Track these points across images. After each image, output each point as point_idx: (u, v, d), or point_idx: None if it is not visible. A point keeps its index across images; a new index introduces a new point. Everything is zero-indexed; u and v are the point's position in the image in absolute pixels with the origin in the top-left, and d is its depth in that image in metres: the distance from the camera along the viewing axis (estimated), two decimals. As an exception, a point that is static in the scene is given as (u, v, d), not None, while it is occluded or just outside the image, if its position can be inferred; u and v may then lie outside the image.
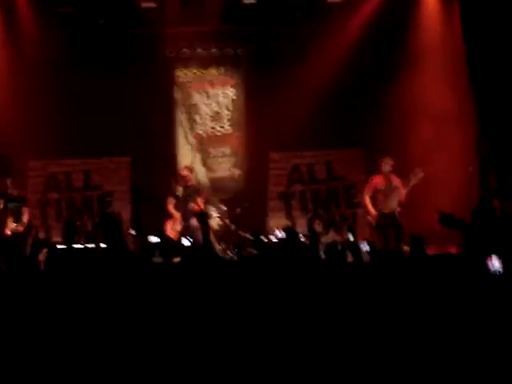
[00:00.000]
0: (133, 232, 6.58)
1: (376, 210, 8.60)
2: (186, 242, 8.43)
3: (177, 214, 9.14)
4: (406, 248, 7.92)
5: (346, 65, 10.01)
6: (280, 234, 8.49)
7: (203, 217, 5.30)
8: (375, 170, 8.97)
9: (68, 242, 4.87)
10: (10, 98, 10.08)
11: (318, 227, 9.11)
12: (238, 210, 9.86)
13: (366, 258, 5.54)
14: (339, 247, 5.20)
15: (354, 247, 5.54)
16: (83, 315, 3.39)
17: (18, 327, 3.34)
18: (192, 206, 9.09)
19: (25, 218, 8.63)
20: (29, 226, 8.62)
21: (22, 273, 4.22)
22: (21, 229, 8.53)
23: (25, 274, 4.19)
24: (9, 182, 8.67)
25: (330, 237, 8.80)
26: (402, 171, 8.68)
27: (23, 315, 3.43)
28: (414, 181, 8.38)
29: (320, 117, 10.08)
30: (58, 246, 5.35)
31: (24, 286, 3.83)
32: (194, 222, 9.08)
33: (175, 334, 3.26)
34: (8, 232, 8.47)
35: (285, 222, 10.16)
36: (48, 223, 10.27)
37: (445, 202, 9.08)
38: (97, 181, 10.63)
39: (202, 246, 4.75)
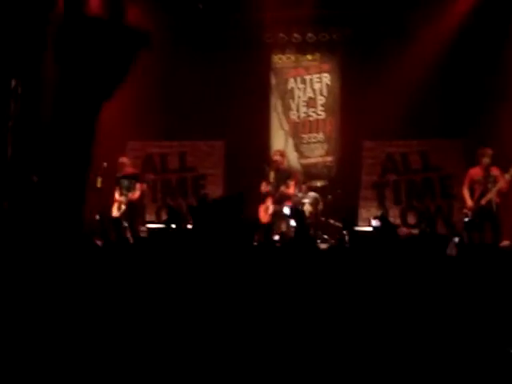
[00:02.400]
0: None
1: (473, 202, 8.36)
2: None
3: (268, 198, 9.22)
4: (504, 243, 7.68)
5: (446, 52, 9.70)
6: (374, 222, 8.38)
7: (298, 214, 5.33)
8: (473, 161, 8.70)
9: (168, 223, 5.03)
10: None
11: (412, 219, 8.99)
12: (330, 197, 9.84)
13: (454, 251, 5.40)
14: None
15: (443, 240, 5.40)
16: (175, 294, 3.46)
17: (110, 302, 3.44)
18: (283, 189, 9.14)
19: (136, 194, 9.19)
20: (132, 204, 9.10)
21: (116, 249, 4.36)
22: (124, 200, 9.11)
23: (118, 250, 4.32)
24: (105, 164, 9.04)
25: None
26: (503, 163, 8.36)
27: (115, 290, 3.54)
28: None
29: (416, 105, 9.81)
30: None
31: (116, 262, 3.95)
32: (287, 205, 9.15)
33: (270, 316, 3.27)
34: (117, 208, 9.14)
35: (376, 211, 10.03)
36: (143, 203, 10.55)
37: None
38: (192, 163, 10.85)
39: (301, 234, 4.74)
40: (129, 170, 9.32)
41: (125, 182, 9.19)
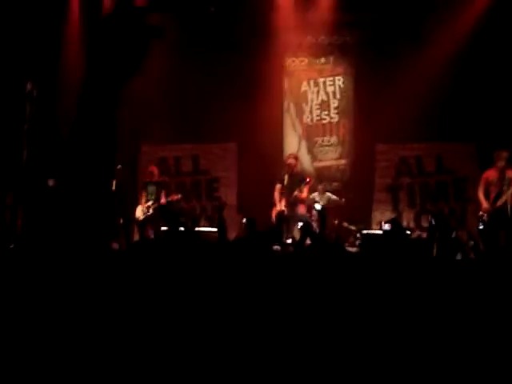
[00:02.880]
0: (244, 221, 6.76)
1: (489, 203, 8.33)
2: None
3: (281, 201, 9.21)
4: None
5: (460, 55, 9.67)
6: (386, 226, 8.39)
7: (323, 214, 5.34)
8: (487, 164, 8.69)
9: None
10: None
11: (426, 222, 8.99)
12: (343, 200, 9.83)
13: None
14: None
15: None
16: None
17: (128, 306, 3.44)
18: (297, 193, 9.12)
19: (163, 199, 9.49)
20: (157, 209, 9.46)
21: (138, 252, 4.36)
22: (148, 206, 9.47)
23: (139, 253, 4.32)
24: (119, 167, 9.15)
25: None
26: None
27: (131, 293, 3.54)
28: None
29: (430, 108, 9.78)
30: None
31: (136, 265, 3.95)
32: (299, 209, 9.14)
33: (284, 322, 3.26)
34: (143, 211, 9.52)
35: (391, 214, 10.02)
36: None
37: None
38: (205, 166, 10.87)
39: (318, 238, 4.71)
40: (156, 178, 9.70)
41: (150, 188, 9.56)
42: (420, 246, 4.57)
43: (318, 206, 9.18)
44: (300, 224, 8.76)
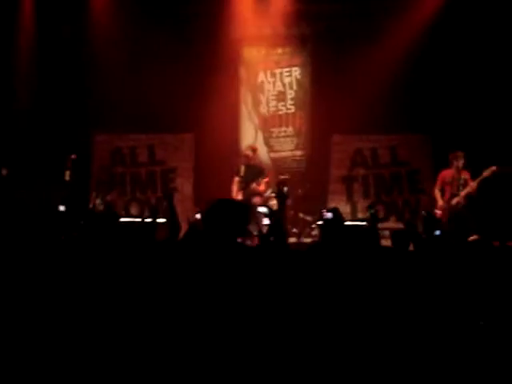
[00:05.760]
0: (198, 216, 6.62)
1: (444, 202, 8.50)
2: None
3: (238, 193, 9.20)
4: (473, 238, 7.80)
5: (416, 48, 9.77)
6: (327, 214, 8.40)
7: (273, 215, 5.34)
8: (441, 156, 8.84)
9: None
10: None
11: (380, 213, 9.11)
12: (300, 191, 9.87)
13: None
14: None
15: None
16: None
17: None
18: (254, 186, 9.11)
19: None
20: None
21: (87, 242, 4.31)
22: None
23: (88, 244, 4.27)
24: (73, 157, 8.99)
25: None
26: (472, 163, 8.50)
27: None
28: (485, 174, 8.21)
29: (386, 100, 9.85)
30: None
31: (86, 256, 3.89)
32: (256, 201, 9.13)
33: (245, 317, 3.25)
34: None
35: (345, 205, 10.10)
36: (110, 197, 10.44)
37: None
38: (161, 156, 10.75)
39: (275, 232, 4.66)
40: None
41: None
42: (363, 235, 4.55)
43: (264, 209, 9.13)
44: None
